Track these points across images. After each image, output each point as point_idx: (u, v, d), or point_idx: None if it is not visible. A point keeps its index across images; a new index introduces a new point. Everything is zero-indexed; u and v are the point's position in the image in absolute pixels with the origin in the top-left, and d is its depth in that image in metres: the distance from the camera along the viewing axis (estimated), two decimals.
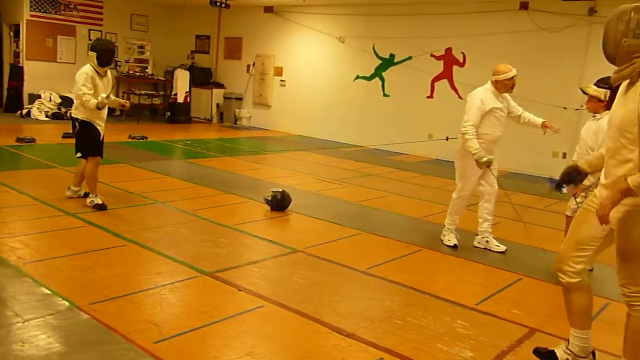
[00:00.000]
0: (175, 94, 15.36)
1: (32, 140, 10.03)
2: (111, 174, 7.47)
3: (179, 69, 15.69)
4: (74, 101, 6.09)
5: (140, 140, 11.47)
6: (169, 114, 15.52)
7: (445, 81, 12.31)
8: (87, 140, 6.03)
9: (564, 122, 9.78)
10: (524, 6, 10.94)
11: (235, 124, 15.76)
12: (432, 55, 12.39)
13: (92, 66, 5.96)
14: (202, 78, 16.33)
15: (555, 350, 3.32)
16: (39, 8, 14.29)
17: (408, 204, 7.64)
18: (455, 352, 3.43)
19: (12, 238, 4.84)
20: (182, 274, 4.37)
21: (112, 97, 5.99)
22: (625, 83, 2.84)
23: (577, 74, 10.06)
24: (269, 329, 3.56)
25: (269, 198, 6.54)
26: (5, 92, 14.69)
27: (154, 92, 16.37)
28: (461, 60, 12.02)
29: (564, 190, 3.50)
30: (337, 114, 14.08)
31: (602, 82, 4.90)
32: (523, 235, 5.79)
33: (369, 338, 3.50)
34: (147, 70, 16.26)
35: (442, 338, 3.59)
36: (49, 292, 3.80)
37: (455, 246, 5.62)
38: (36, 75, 14.36)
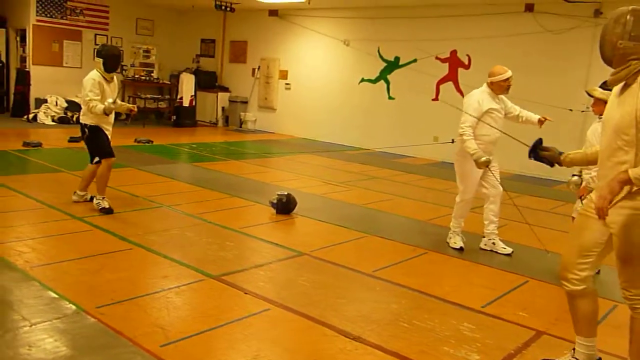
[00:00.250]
0: (181, 98, 15.41)
1: (39, 145, 10.08)
2: (117, 178, 7.49)
3: (184, 73, 15.75)
4: (82, 107, 6.14)
5: (146, 144, 11.51)
6: (174, 117, 15.57)
7: (450, 83, 12.29)
8: (97, 144, 6.10)
9: (570, 124, 9.79)
10: (529, 8, 10.92)
11: (241, 127, 15.79)
12: (437, 58, 12.38)
13: (99, 72, 6.01)
14: (207, 82, 16.37)
15: None
16: (46, 13, 14.37)
17: (414, 206, 7.63)
18: (461, 355, 3.42)
19: (19, 242, 4.87)
20: (188, 277, 4.38)
21: (119, 102, 6.03)
22: (620, 85, 2.86)
23: (583, 75, 10.04)
24: (274, 332, 3.56)
25: (275, 201, 6.55)
26: (12, 97, 14.77)
27: (160, 96, 16.44)
28: (466, 63, 12.01)
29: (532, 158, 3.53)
30: (342, 116, 14.08)
31: (608, 85, 4.88)
32: (528, 237, 5.76)
33: (375, 341, 3.50)
34: (152, 74, 16.33)
35: (448, 341, 3.58)
36: (55, 295, 3.81)
37: (461, 249, 5.61)
38: (42, 79, 14.43)
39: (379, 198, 7.93)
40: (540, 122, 5.46)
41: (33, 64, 14.36)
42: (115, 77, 6.23)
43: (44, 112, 13.92)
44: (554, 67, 10.53)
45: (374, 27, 13.34)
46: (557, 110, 9.21)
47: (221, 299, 4.02)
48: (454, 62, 12.21)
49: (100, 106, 5.82)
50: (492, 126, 5.23)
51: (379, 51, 13.32)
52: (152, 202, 6.65)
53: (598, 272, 5.19)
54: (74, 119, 14.00)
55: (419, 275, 4.84)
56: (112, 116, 6.19)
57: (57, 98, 14.33)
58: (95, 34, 15.43)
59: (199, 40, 17.24)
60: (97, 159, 6.14)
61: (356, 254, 5.32)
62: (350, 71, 13.87)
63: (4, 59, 14.97)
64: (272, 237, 5.64)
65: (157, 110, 16.57)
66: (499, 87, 5.33)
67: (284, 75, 15.36)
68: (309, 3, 12.81)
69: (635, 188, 2.71)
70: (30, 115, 13.86)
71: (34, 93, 14.37)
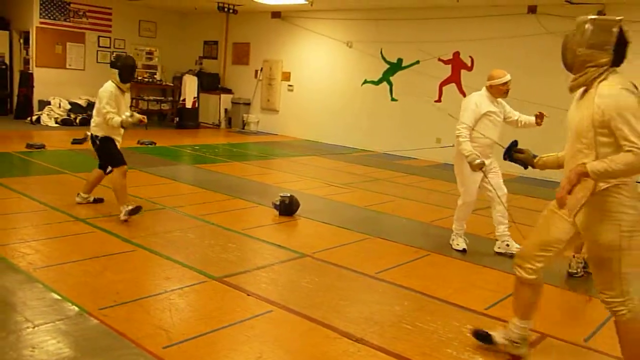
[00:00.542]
0: (184, 100, 15.43)
1: (42, 147, 10.10)
2: None
3: (187, 75, 15.76)
4: (95, 118, 6.04)
5: (149, 145, 11.53)
6: (177, 119, 15.58)
7: (453, 85, 12.28)
8: (109, 153, 6.04)
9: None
10: (532, 10, 10.91)
11: (243, 129, 15.80)
12: (440, 60, 12.37)
13: (115, 83, 5.95)
14: (210, 83, 16.39)
15: (493, 335, 3.44)
16: (49, 15, 14.41)
17: (416, 208, 7.62)
18: (465, 357, 3.42)
19: (22, 244, 4.88)
20: (191, 279, 4.38)
21: (136, 115, 5.92)
22: (581, 90, 2.99)
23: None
24: (277, 334, 3.56)
25: (277, 203, 6.55)
26: (15, 99, 14.81)
27: (163, 98, 16.45)
28: (469, 65, 12.00)
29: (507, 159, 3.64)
30: (345, 118, 14.08)
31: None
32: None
33: (378, 343, 3.49)
34: (155, 76, 16.36)
35: (451, 343, 3.58)
36: (59, 297, 3.82)
37: (464, 250, 5.60)
38: (46, 81, 14.46)
39: (382, 200, 7.92)
40: (537, 117, 5.43)
41: (36, 66, 14.40)
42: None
43: (47, 114, 13.96)
44: (557, 68, 10.32)
45: (377, 28, 13.34)
46: (559, 112, 9.11)
47: (224, 301, 4.02)
48: (457, 64, 12.21)
49: (118, 119, 5.77)
50: (482, 134, 5.21)
51: (381, 53, 13.32)
52: (155, 203, 6.66)
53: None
54: (77, 120, 14.06)
55: (422, 277, 4.83)
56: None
57: (60, 100, 14.37)
58: (99, 36, 15.46)
59: (201, 42, 17.27)
60: (109, 168, 6.13)
61: (359, 255, 5.32)
62: (353, 73, 13.87)
63: (7, 61, 15.02)
64: (274, 239, 5.64)
65: (159, 112, 16.59)
66: (498, 91, 5.33)
67: (286, 77, 15.37)
68: (311, 5, 12.81)
69: (600, 187, 2.82)
70: (34, 117, 13.89)
71: (37, 95, 14.40)
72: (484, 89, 5.39)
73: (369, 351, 3.39)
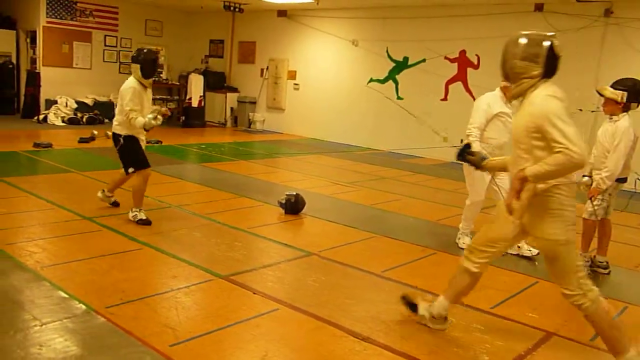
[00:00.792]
0: (190, 99, 15.46)
1: (49, 146, 10.14)
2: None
3: (193, 74, 15.79)
4: (117, 116, 5.76)
5: (155, 144, 11.54)
6: (183, 118, 15.61)
7: (459, 84, 12.25)
8: (132, 154, 5.81)
9: (580, 124, 9.65)
10: (538, 8, 10.87)
11: (249, 127, 15.82)
12: (446, 58, 12.34)
13: (137, 79, 5.66)
14: (216, 82, 16.41)
15: (419, 305, 3.75)
16: (55, 14, 14.46)
17: (423, 207, 7.61)
18: (470, 355, 3.41)
19: (30, 242, 4.90)
20: (197, 277, 4.39)
21: (160, 117, 5.66)
22: (521, 99, 3.19)
23: (593, 75, 9.98)
24: (283, 332, 3.57)
25: (283, 201, 6.55)
26: (22, 98, 14.87)
27: (169, 97, 16.50)
28: (475, 63, 11.96)
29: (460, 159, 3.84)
30: (351, 117, 14.07)
31: (618, 84, 4.86)
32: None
33: (384, 342, 3.49)
34: (161, 75, 16.39)
35: (457, 342, 3.58)
36: (66, 295, 3.84)
37: None
38: (52, 81, 14.52)
39: (388, 198, 7.91)
40: None
41: (43, 66, 14.45)
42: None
43: (54, 113, 14.01)
44: (564, 66, 10.26)
45: (383, 27, 13.32)
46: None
47: (230, 299, 4.02)
48: (463, 62, 12.17)
49: (141, 120, 5.51)
50: (473, 142, 5.17)
51: (387, 51, 13.30)
52: (161, 202, 6.67)
53: (608, 273, 5.16)
54: (84, 119, 14.10)
55: (428, 275, 4.83)
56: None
57: (67, 99, 14.42)
58: (105, 35, 15.51)
59: (207, 41, 17.29)
60: (131, 169, 5.83)
61: (365, 254, 5.32)
62: (359, 71, 13.85)
63: (14, 61, 15.07)
64: (280, 238, 5.64)
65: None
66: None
67: (292, 75, 15.37)
68: (317, 3, 12.81)
69: (540, 188, 3.05)
70: (41, 117, 13.95)
71: (44, 94, 14.46)
72: (497, 89, 5.33)
73: (375, 350, 3.39)
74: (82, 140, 11.00)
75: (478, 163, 3.69)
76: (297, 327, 3.66)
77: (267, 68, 15.85)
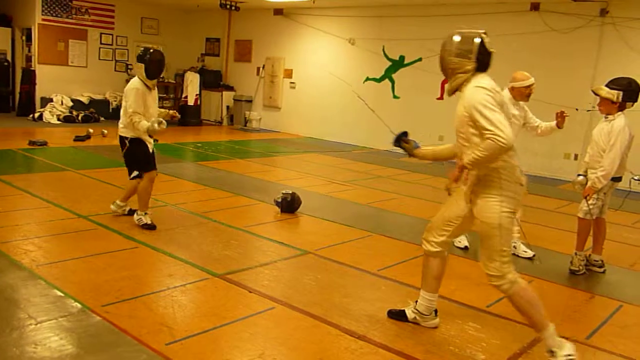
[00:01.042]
0: (186, 97, 15.44)
1: (45, 144, 10.11)
2: (122, 177, 7.49)
3: (189, 72, 15.77)
4: (122, 118, 5.55)
5: None
6: (179, 116, 15.55)
7: None
8: (138, 157, 5.62)
9: (576, 123, 9.74)
10: (535, 7, 10.89)
11: (246, 126, 15.80)
12: None
13: (141, 79, 5.44)
14: (212, 81, 16.40)
15: (405, 310, 3.80)
16: (51, 12, 14.41)
17: (419, 205, 7.62)
18: (466, 354, 3.42)
19: (25, 241, 4.89)
20: (194, 276, 4.39)
21: (164, 122, 5.43)
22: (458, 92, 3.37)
23: (589, 74, 10.00)
24: (279, 331, 3.57)
25: (279, 200, 6.55)
26: (17, 96, 14.82)
27: (165, 95, 16.44)
28: None
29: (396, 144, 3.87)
30: (347, 115, 14.05)
31: (614, 84, 4.88)
32: (534, 236, 5.74)
33: (380, 340, 3.50)
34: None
35: (453, 340, 3.58)
36: (61, 294, 3.83)
37: (466, 248, 5.61)
38: (48, 79, 14.48)
39: (384, 197, 7.92)
40: (558, 116, 5.33)
41: (39, 63, 14.42)
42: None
43: (50, 111, 13.97)
44: (560, 66, 10.48)
45: (379, 25, 13.32)
46: (563, 109, 9.17)
47: (226, 298, 4.02)
48: None
49: (145, 124, 5.30)
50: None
51: (384, 50, 13.31)
52: (157, 200, 6.65)
53: (603, 272, 5.18)
54: (79, 117, 14.06)
55: None
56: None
57: (62, 97, 14.39)
58: (101, 33, 15.48)
59: (204, 39, 17.26)
60: (135, 173, 5.65)
61: (361, 253, 5.32)
62: (355, 70, 13.84)
63: (9, 58, 15.04)
64: (276, 236, 5.64)
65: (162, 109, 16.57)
66: (520, 94, 5.24)
67: (288, 74, 15.36)
68: (314, 2, 12.81)
69: (481, 173, 3.22)
70: (36, 114, 13.91)
71: (40, 92, 14.43)
72: (505, 89, 5.28)
73: (372, 348, 3.39)
74: (78, 139, 10.98)
75: (410, 151, 3.79)
76: (294, 325, 3.66)
77: (264, 66, 15.83)
